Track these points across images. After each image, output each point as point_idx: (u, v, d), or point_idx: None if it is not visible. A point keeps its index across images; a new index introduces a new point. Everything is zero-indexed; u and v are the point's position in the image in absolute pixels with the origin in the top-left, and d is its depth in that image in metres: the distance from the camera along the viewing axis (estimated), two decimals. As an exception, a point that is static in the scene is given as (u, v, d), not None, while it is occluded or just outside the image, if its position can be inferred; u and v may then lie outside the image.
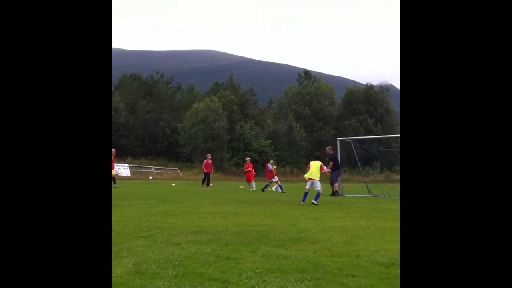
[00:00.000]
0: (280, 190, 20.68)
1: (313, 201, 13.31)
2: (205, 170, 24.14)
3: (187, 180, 36.93)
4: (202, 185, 23.77)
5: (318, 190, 13.67)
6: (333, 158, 18.98)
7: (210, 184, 23.93)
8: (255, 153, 45.97)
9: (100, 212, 1.86)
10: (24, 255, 1.67)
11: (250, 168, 23.07)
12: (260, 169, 43.79)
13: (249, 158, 24.82)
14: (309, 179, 13.78)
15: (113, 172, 21.52)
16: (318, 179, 13.85)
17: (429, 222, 1.71)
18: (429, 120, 1.86)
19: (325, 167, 14.85)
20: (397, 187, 27.62)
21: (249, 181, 23.01)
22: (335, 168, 18.67)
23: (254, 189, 21.73)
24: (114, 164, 21.88)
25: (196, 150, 47.62)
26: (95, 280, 1.76)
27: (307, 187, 13.83)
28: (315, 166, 13.93)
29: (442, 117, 1.84)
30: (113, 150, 21.59)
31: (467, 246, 1.65)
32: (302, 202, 13.42)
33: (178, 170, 44.77)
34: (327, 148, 19.64)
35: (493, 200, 1.66)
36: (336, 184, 18.65)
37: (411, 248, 1.73)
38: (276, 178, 21.63)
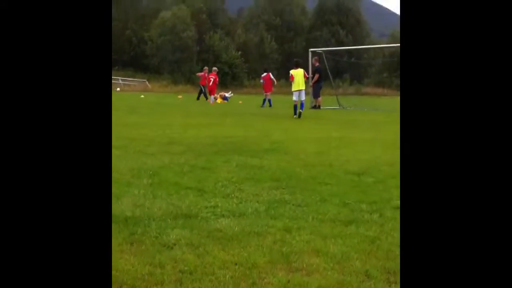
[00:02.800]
0: (263, 105, 19.13)
1: (300, 110, 12.74)
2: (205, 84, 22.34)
3: (156, 92, 36.31)
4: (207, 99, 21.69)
5: (302, 100, 12.97)
6: (319, 70, 18.66)
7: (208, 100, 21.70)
8: (226, 65, 45.05)
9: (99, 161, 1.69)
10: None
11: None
12: (230, 82, 43.34)
13: (215, 68, 22.77)
14: (297, 90, 12.88)
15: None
16: (304, 88, 13.09)
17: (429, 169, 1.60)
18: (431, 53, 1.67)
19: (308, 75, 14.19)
20: (366, 100, 28.08)
21: (211, 93, 21.23)
22: (319, 81, 18.47)
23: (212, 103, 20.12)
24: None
25: (164, 61, 46.33)
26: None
27: (295, 98, 12.95)
28: (299, 75, 13.01)
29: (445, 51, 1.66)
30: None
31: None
32: (294, 116, 12.78)
33: (147, 82, 43.81)
34: (313, 60, 19.05)
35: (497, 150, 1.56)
36: (319, 98, 18.39)
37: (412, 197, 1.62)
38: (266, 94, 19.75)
